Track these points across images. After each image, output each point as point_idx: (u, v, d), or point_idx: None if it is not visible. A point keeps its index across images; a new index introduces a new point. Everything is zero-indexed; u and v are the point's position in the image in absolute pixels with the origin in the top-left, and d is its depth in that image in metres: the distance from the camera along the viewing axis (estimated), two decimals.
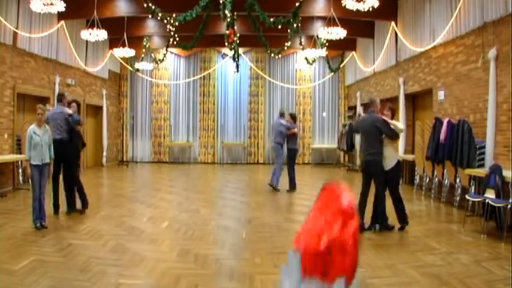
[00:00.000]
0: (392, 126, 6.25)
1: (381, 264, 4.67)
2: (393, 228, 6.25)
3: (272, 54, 13.41)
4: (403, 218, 6.26)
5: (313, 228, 1.40)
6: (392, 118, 6.44)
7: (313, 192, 10.11)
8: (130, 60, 15.71)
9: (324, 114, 17.79)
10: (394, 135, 6.28)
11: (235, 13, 9.98)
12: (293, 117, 10.58)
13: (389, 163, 6.25)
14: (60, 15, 11.07)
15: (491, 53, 7.16)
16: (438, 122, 8.30)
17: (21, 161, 9.70)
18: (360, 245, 1.39)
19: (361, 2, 8.68)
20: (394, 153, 6.38)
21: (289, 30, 11.04)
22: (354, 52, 15.64)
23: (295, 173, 10.15)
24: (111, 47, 14.70)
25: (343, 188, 1.47)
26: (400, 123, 6.62)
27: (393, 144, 6.41)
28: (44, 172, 6.14)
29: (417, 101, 11.58)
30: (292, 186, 10.08)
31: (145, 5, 9.53)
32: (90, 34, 10.73)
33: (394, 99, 12.26)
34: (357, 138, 15.08)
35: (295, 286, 1.37)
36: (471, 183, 7.24)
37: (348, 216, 1.40)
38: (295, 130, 10.31)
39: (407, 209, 6.41)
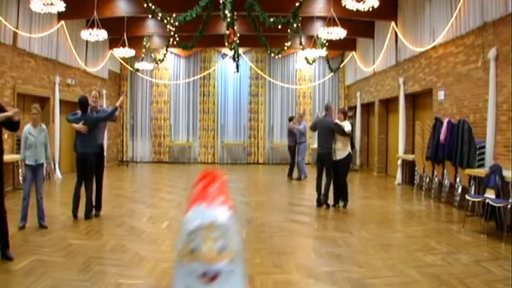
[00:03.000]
0: (342, 127, 7.81)
1: (381, 264, 4.67)
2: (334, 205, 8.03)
3: (272, 54, 13.40)
4: (342, 198, 7.98)
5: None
6: (344, 120, 8.08)
7: (314, 192, 10.12)
8: (130, 60, 15.72)
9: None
10: (343, 133, 7.80)
11: (235, 13, 9.98)
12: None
13: (340, 154, 7.90)
14: (60, 15, 11.08)
15: (491, 53, 7.16)
16: (438, 122, 8.31)
17: (21, 161, 9.71)
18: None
19: (361, 2, 8.67)
20: (344, 147, 7.91)
21: (289, 30, 11.04)
22: (354, 52, 15.64)
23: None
24: (111, 47, 14.71)
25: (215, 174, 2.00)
26: (347, 125, 7.96)
27: (344, 140, 7.90)
28: (38, 172, 6.05)
29: (417, 101, 11.58)
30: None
31: (145, 5, 9.53)
32: (90, 34, 10.73)
33: (394, 99, 12.28)
34: (357, 138, 15.17)
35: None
36: (471, 183, 7.24)
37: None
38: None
39: (407, 209, 6.56)
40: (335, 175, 7.94)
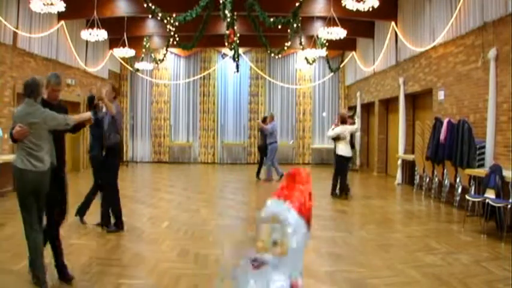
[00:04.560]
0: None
1: (381, 264, 4.67)
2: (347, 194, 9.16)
3: (272, 54, 13.40)
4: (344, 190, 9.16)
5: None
6: (341, 123, 9.27)
7: (313, 192, 10.11)
8: (130, 60, 15.71)
9: (324, 114, 17.78)
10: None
11: (235, 13, 9.98)
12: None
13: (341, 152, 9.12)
14: (60, 15, 11.07)
15: (491, 53, 7.16)
16: (438, 122, 8.31)
17: None
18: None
19: (361, 2, 8.68)
20: (345, 147, 9.17)
21: (289, 30, 11.03)
22: (354, 52, 15.64)
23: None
24: (111, 47, 14.70)
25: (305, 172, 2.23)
26: (336, 129, 9.23)
27: (342, 141, 9.13)
28: None
29: (417, 101, 11.58)
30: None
31: (145, 5, 9.53)
32: (90, 34, 10.74)
33: (394, 99, 12.28)
34: (357, 138, 15.17)
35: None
36: (471, 183, 7.24)
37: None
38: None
39: (407, 209, 6.65)
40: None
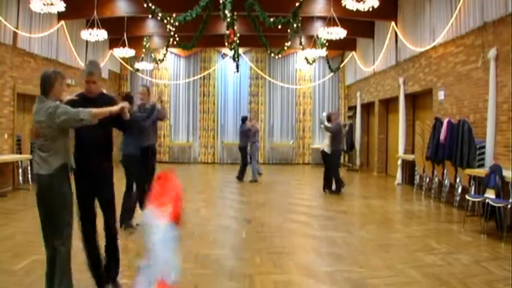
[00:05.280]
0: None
1: (381, 264, 4.67)
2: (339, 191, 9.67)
3: (272, 54, 13.40)
4: (330, 186, 9.78)
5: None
6: (329, 121, 10.05)
7: (313, 192, 10.14)
8: (130, 60, 15.71)
9: (324, 114, 17.74)
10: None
11: (235, 13, 9.99)
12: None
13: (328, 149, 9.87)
14: (60, 15, 11.08)
15: (491, 53, 7.16)
16: (438, 122, 8.30)
17: (21, 161, 9.71)
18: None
19: (361, 2, 8.67)
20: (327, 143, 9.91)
21: (289, 30, 11.03)
22: (354, 52, 15.64)
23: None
24: (111, 47, 14.70)
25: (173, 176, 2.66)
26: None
27: (327, 138, 9.95)
28: None
29: (417, 101, 11.58)
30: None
31: (145, 5, 9.53)
32: (90, 34, 10.74)
33: (394, 99, 12.28)
34: (357, 138, 15.18)
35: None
36: (471, 183, 7.24)
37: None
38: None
39: (407, 209, 6.86)
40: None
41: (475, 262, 4.76)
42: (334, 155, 9.90)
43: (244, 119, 12.24)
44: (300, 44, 13.20)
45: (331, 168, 9.84)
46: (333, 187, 9.73)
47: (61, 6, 8.49)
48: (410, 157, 10.61)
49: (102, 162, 3.90)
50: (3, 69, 9.37)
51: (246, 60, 17.03)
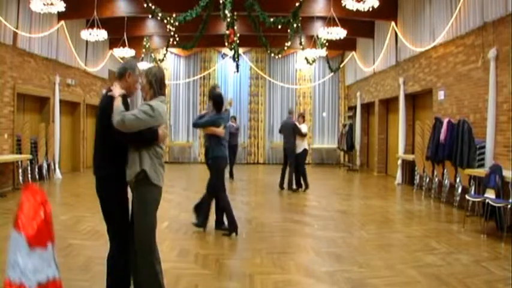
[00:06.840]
0: (300, 129, 10.02)
1: (381, 264, 4.67)
2: (297, 189, 10.00)
3: (272, 54, 13.40)
4: (299, 184, 10.06)
5: (28, 216, 2.57)
6: (302, 122, 10.26)
7: (313, 192, 10.14)
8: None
9: (324, 114, 17.79)
10: (301, 134, 10.01)
11: (235, 13, 9.98)
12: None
13: (298, 149, 9.99)
14: (60, 15, 11.08)
15: (491, 53, 7.16)
16: (438, 122, 8.30)
17: (21, 161, 9.71)
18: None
19: (361, 2, 8.68)
20: (301, 144, 10.06)
21: (289, 30, 11.04)
22: (354, 52, 15.64)
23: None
24: (111, 47, 14.70)
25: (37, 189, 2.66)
26: (304, 128, 10.20)
27: (301, 138, 10.05)
28: None
29: (417, 101, 11.58)
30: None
31: (145, 5, 9.53)
32: (90, 34, 10.74)
33: (394, 99, 12.28)
34: (357, 138, 15.19)
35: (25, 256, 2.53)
36: (471, 183, 7.24)
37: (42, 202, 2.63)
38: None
39: (407, 209, 6.90)
40: (297, 165, 10.03)
41: (475, 262, 4.75)
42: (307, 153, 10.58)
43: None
44: (300, 44, 13.20)
45: (303, 166, 10.25)
46: (294, 185, 10.08)
47: (61, 6, 8.49)
48: (410, 157, 10.61)
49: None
50: (3, 69, 9.37)
51: (246, 60, 17.04)
